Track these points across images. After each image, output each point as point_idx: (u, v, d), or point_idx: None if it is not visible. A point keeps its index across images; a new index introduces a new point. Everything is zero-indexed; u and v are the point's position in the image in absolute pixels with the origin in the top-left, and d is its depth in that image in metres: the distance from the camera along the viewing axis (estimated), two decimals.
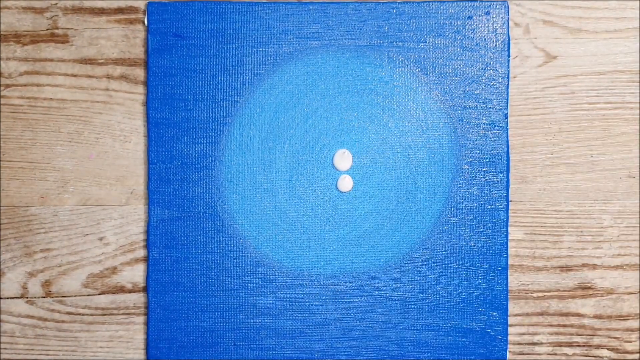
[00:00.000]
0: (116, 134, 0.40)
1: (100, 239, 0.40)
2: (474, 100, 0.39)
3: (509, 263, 0.40)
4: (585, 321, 0.40)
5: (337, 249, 0.39)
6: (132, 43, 0.40)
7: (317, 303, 0.39)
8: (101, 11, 0.40)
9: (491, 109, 0.39)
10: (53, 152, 0.40)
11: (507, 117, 0.39)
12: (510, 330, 0.40)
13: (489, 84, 0.39)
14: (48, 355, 0.40)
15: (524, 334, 0.40)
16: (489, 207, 0.39)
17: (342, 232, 0.39)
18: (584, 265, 0.40)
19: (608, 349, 0.40)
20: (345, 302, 0.39)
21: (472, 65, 0.39)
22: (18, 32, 0.40)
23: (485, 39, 0.39)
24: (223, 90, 0.39)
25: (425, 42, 0.39)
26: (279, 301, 0.39)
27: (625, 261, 0.40)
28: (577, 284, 0.40)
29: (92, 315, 0.40)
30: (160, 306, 0.39)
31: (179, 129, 0.39)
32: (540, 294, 0.40)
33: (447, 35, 0.39)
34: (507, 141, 0.39)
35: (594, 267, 0.40)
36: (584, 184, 0.40)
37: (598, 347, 0.40)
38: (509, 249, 0.40)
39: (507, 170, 0.39)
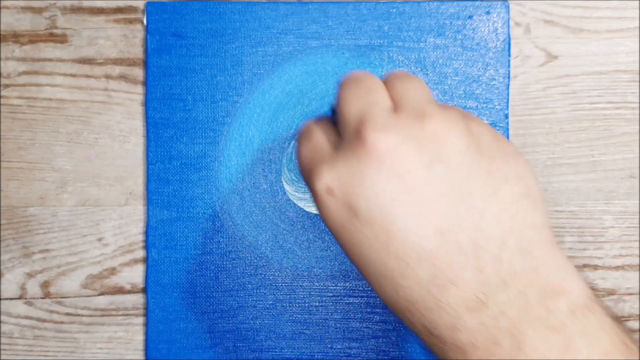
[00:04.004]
0: (115, 134, 0.40)
1: (99, 239, 0.40)
2: (474, 100, 0.39)
3: None
4: None
5: (337, 250, 0.39)
6: (131, 43, 0.40)
7: (317, 304, 0.39)
8: (100, 11, 0.40)
9: (492, 109, 0.39)
10: (52, 152, 0.40)
11: (507, 117, 0.39)
12: None
13: (489, 84, 0.39)
14: (47, 356, 0.40)
15: None
16: None
17: None
18: (585, 266, 0.40)
19: None
20: (345, 302, 0.39)
21: (472, 65, 0.39)
22: (17, 32, 0.40)
23: (485, 39, 0.39)
24: (222, 90, 0.39)
25: (426, 41, 0.39)
26: (278, 302, 0.39)
27: (626, 262, 0.40)
28: None
29: (91, 316, 0.40)
30: (160, 307, 0.39)
31: (178, 129, 0.39)
32: None
33: (448, 35, 0.39)
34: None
35: (595, 267, 0.40)
36: (586, 184, 0.40)
37: None
38: None
39: None
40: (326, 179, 0.25)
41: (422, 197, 0.23)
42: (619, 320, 0.23)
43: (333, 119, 0.29)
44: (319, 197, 0.25)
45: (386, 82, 0.27)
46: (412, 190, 0.23)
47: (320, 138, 0.27)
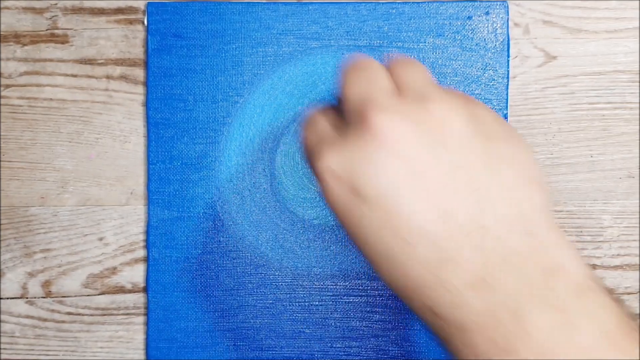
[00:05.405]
0: (116, 134, 0.40)
1: (100, 239, 0.40)
2: None
3: None
4: None
5: (337, 249, 0.39)
6: (131, 43, 0.40)
7: (317, 303, 0.39)
8: (101, 11, 0.40)
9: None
10: (53, 152, 0.40)
11: (506, 118, 0.39)
12: None
13: (488, 84, 0.39)
14: (48, 355, 0.40)
15: None
16: None
17: (342, 232, 0.39)
18: None
19: None
20: (345, 302, 0.39)
21: (471, 66, 0.39)
22: (18, 32, 0.40)
23: (485, 39, 0.39)
24: (223, 91, 0.39)
25: (425, 42, 0.39)
26: (278, 301, 0.39)
27: (625, 261, 0.40)
28: None
29: (91, 315, 0.40)
30: (160, 306, 0.39)
31: (178, 129, 0.39)
32: None
33: (447, 36, 0.39)
34: None
35: (594, 267, 0.40)
36: (584, 184, 0.40)
37: None
38: None
39: None
40: (330, 161, 0.25)
41: (425, 179, 0.24)
42: (620, 300, 0.23)
43: (336, 108, 0.30)
44: (323, 180, 0.25)
45: (388, 67, 0.27)
46: (416, 171, 0.24)
47: (323, 123, 0.28)
